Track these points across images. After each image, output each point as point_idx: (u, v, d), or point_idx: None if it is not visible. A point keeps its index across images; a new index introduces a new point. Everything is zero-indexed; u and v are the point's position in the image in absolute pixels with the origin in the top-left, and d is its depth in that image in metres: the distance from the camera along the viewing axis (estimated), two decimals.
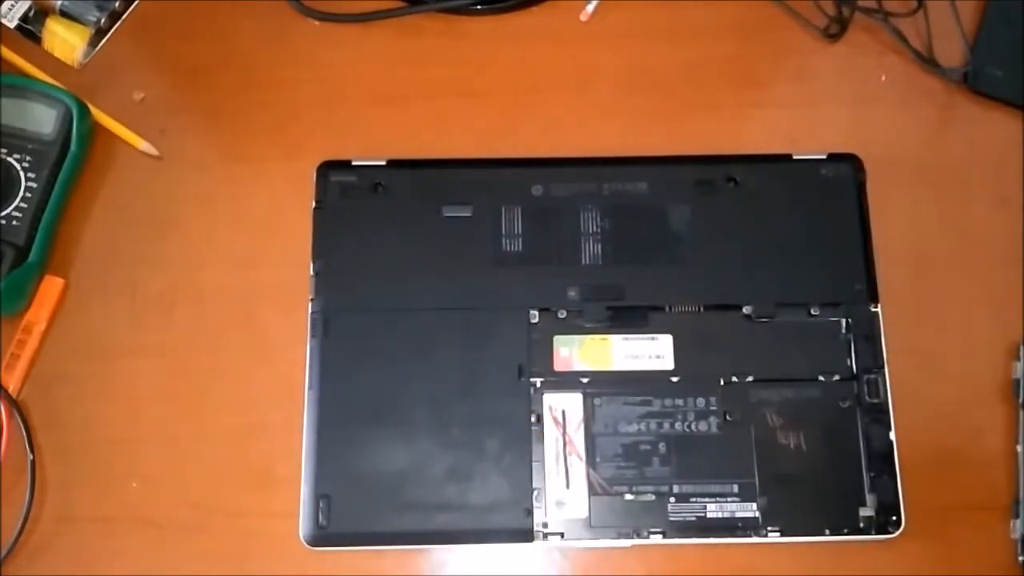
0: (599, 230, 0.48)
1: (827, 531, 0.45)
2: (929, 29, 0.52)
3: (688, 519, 0.45)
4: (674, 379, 0.47)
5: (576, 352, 0.47)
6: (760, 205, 0.49)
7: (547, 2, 0.54)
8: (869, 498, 0.45)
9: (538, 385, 0.47)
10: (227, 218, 0.51)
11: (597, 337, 0.47)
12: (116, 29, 0.54)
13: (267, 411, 0.48)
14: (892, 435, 0.46)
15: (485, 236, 0.48)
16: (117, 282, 0.50)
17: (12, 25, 0.54)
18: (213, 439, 0.48)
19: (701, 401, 0.46)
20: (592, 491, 0.45)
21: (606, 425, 0.46)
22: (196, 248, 0.50)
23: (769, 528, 0.45)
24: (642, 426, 0.46)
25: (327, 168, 0.49)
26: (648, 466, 0.46)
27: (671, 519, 0.45)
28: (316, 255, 0.48)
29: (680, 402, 0.46)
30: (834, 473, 0.45)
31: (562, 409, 0.46)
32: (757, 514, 0.45)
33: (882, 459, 0.45)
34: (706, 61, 0.53)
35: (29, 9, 0.54)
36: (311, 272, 0.47)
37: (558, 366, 0.47)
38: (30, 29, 0.54)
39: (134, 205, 0.51)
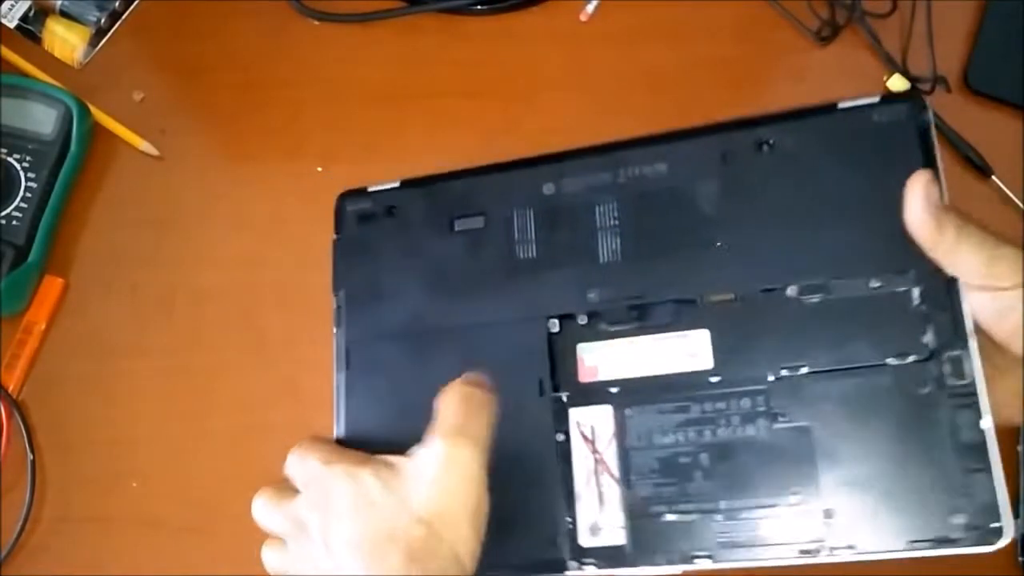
0: (616, 223, 0.44)
1: (910, 545, 0.37)
2: (911, 30, 0.52)
3: (739, 539, 0.39)
4: (714, 379, 0.41)
5: (602, 359, 0.43)
6: (800, 168, 0.42)
7: (547, 2, 0.54)
8: (961, 502, 0.37)
9: (563, 400, 0.42)
10: (227, 218, 0.51)
11: (624, 340, 0.42)
12: (116, 29, 0.54)
13: (267, 411, 0.48)
14: (985, 423, 0.37)
15: (498, 245, 0.45)
16: (117, 282, 0.50)
17: (12, 25, 0.54)
18: (213, 439, 0.48)
19: (747, 402, 0.40)
20: (629, 513, 0.40)
21: (640, 438, 0.41)
22: (196, 248, 0.50)
23: (837, 545, 0.38)
24: (680, 436, 0.41)
25: (345, 198, 0.47)
26: (690, 481, 0.40)
27: (719, 540, 0.39)
28: (337, 286, 0.45)
29: (722, 405, 0.41)
30: (915, 474, 0.38)
31: (591, 424, 0.42)
32: (822, 529, 0.38)
33: (974, 453, 0.37)
34: (706, 61, 0.53)
35: (29, 9, 0.54)
36: (334, 305, 0.45)
37: (584, 377, 0.42)
38: (30, 29, 0.54)
39: (134, 205, 0.51)
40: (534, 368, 0.42)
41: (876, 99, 0.42)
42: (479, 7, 0.53)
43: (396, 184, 0.46)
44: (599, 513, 0.41)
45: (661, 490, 0.40)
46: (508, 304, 0.44)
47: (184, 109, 0.53)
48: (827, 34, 0.52)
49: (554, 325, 0.43)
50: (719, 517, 0.39)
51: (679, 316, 0.42)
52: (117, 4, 0.54)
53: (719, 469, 0.40)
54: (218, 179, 0.52)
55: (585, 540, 0.40)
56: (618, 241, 0.43)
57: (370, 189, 0.46)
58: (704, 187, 0.43)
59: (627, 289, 0.42)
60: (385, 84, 0.53)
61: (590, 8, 0.54)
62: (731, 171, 0.43)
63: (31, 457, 0.47)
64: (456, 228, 0.45)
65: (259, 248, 0.50)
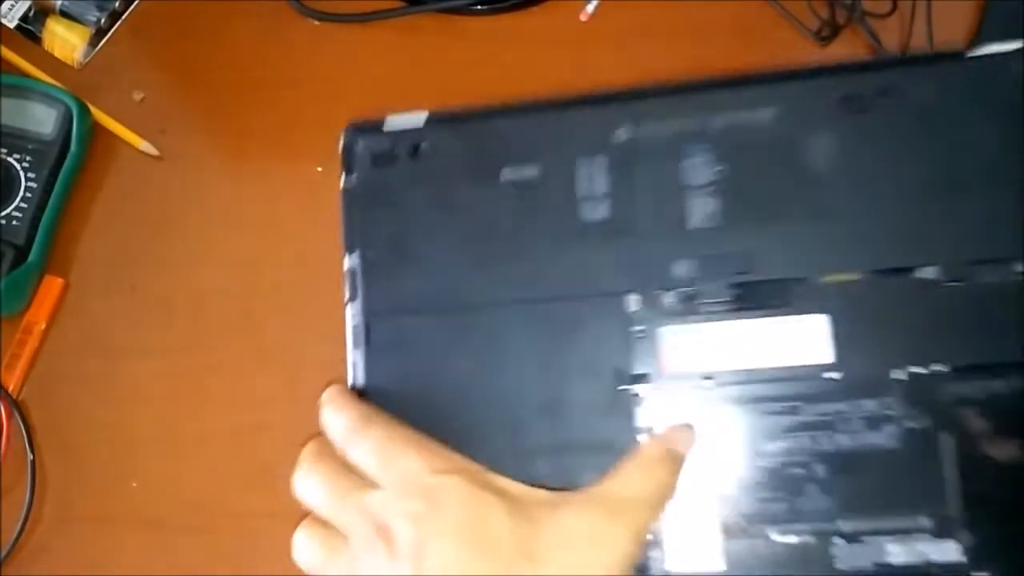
0: (712, 179, 0.36)
1: None
2: (911, 30, 0.52)
3: (862, 567, 0.33)
4: (833, 375, 0.34)
5: (693, 346, 0.35)
6: (934, 125, 0.35)
7: (547, 2, 0.54)
8: None
9: (644, 394, 0.35)
10: (227, 218, 0.51)
11: (720, 324, 0.35)
12: (116, 29, 0.54)
13: (267, 411, 0.48)
14: None
15: (559, 201, 0.37)
16: (117, 282, 0.50)
17: (12, 25, 0.54)
18: (213, 439, 0.48)
19: (871, 404, 0.34)
20: (727, 532, 0.34)
21: (741, 443, 0.35)
22: (196, 248, 0.50)
23: (980, 575, 0.33)
24: (791, 442, 0.34)
25: (356, 134, 0.39)
26: (801, 496, 0.34)
27: (837, 567, 0.33)
28: (350, 246, 0.38)
29: (842, 407, 0.34)
30: None
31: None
32: (962, 556, 0.33)
33: None
34: (706, 61, 0.53)
35: (29, 9, 0.54)
36: (345, 268, 0.38)
37: (669, 367, 0.35)
38: (30, 29, 0.54)
39: (134, 205, 0.51)
40: (608, 355, 0.35)
41: (1016, 46, 0.35)
42: (479, 7, 0.53)
43: (421, 121, 0.39)
44: (691, 533, 0.34)
45: (767, 506, 0.34)
46: (573, 276, 0.36)
47: (184, 109, 0.53)
48: (827, 34, 0.52)
49: (632, 302, 0.36)
50: (838, 540, 0.33)
51: (792, 297, 0.35)
52: (117, 4, 0.54)
53: (837, 483, 0.34)
54: (218, 179, 0.52)
55: (674, 565, 0.34)
56: (712, 202, 0.36)
57: (387, 127, 0.39)
58: (820, 140, 0.36)
59: (725, 262, 0.35)
60: (385, 84, 0.53)
61: (590, 8, 0.54)
62: (852, 122, 0.36)
63: (31, 457, 0.47)
64: (503, 178, 0.37)
65: (259, 248, 0.50)
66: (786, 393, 0.35)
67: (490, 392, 0.36)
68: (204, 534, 0.47)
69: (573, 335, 0.36)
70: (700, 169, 0.36)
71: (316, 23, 0.54)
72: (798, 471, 0.34)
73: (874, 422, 0.34)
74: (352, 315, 0.38)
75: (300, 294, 0.48)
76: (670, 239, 0.36)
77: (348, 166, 0.39)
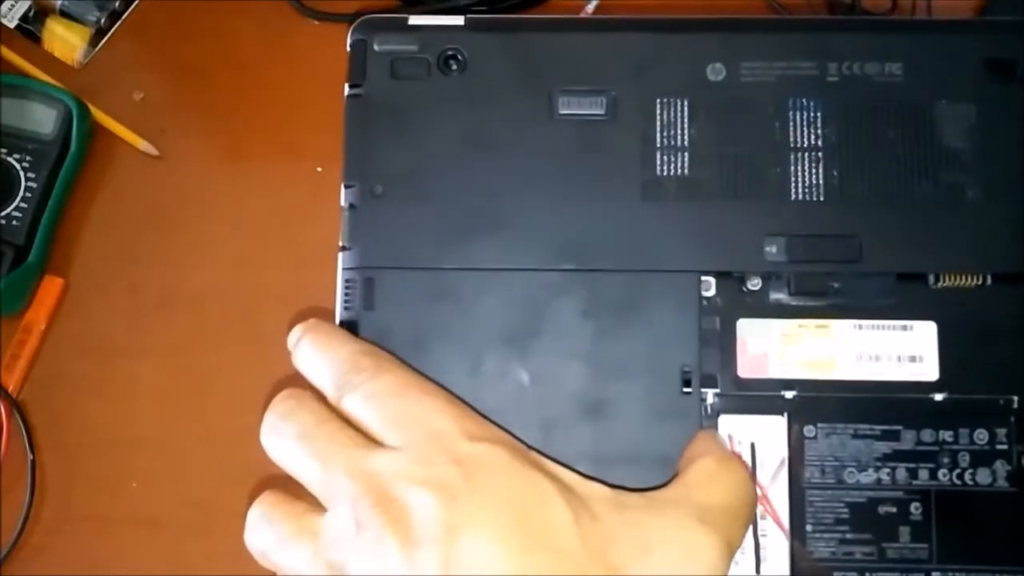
0: (819, 141, 0.30)
1: None
2: None
3: None
4: (938, 396, 0.29)
5: (778, 347, 0.30)
6: None
7: (547, 2, 0.54)
8: None
9: (712, 400, 0.29)
10: (227, 218, 0.51)
11: (813, 323, 0.29)
12: (116, 29, 0.54)
13: None
14: None
15: (627, 148, 0.30)
16: (117, 282, 0.50)
17: (12, 25, 0.54)
18: (213, 439, 0.48)
19: (983, 435, 0.29)
20: None
21: (824, 471, 0.29)
22: (196, 248, 0.50)
23: None
24: (884, 474, 0.29)
25: (369, 30, 0.32)
26: (893, 540, 0.28)
27: None
28: (351, 176, 0.32)
29: (948, 435, 0.29)
30: None
31: (751, 441, 0.29)
32: None
33: None
34: None
35: (29, 9, 0.54)
36: (343, 204, 0.32)
37: (746, 370, 0.30)
38: (30, 29, 0.54)
39: (134, 205, 0.51)
40: (674, 349, 0.29)
41: None
42: (478, 8, 0.53)
43: (458, 21, 0.31)
44: (755, 573, 0.29)
45: (851, 548, 0.28)
46: (636, 245, 0.30)
47: (184, 109, 0.53)
48: None
49: (708, 286, 0.29)
50: None
51: (900, 298, 0.29)
52: (117, 4, 0.54)
53: (938, 527, 0.28)
54: (218, 179, 0.52)
55: None
56: (819, 170, 0.30)
57: (413, 21, 0.32)
58: (955, 109, 0.30)
59: (828, 246, 0.29)
60: None
61: (590, 8, 0.54)
62: (997, 92, 0.30)
63: (31, 457, 0.47)
64: (560, 110, 0.30)
65: (259, 248, 0.50)
66: (882, 414, 0.29)
67: (516, 383, 0.30)
68: (204, 534, 0.47)
69: (630, 320, 0.29)
70: (808, 126, 0.30)
71: (316, 23, 0.54)
72: (890, 509, 0.29)
73: (984, 457, 0.29)
74: (345, 265, 0.32)
75: (300, 294, 0.48)
76: (762, 210, 0.30)
77: (356, 72, 0.32)
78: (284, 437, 0.26)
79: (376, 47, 0.32)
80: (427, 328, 0.30)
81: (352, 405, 0.26)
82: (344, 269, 0.32)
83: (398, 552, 0.22)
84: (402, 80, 0.31)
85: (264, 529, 0.26)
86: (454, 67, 0.31)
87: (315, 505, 0.25)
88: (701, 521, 0.25)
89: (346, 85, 0.32)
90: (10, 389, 0.48)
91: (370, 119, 0.32)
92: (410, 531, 0.22)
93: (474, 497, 0.23)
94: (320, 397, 0.27)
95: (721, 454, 0.28)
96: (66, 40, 0.53)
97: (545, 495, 0.24)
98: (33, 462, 0.47)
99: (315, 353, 0.28)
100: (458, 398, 0.27)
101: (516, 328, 0.29)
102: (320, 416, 0.26)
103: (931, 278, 0.29)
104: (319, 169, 0.51)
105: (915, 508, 0.28)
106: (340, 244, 0.32)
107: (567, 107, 0.30)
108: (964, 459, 0.29)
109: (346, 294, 0.31)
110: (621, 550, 0.24)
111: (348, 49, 0.32)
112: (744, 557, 0.29)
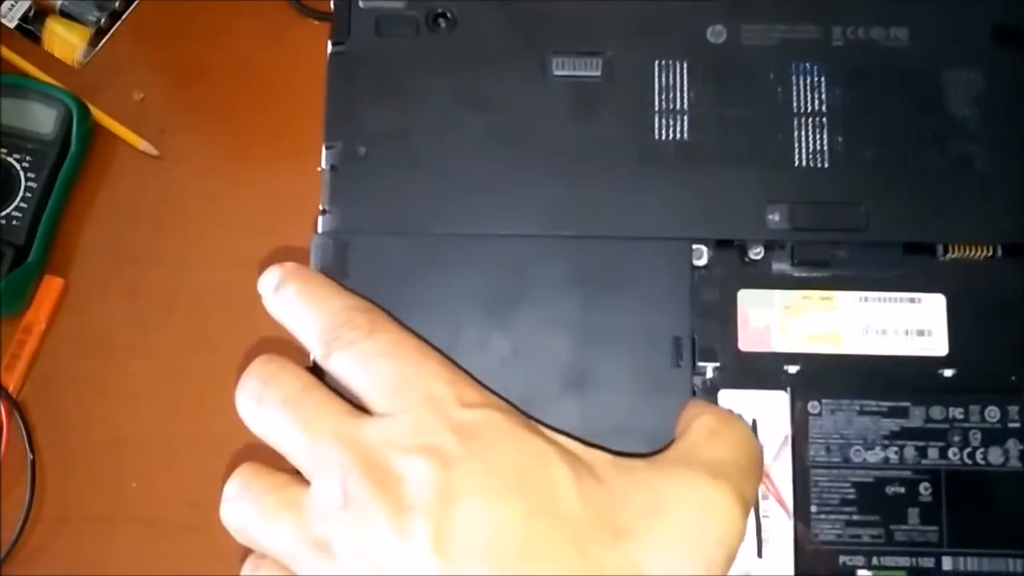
0: (823, 106, 0.29)
1: None
2: None
3: None
4: (947, 372, 0.28)
5: (780, 319, 0.28)
6: None
7: None
8: None
9: (710, 375, 0.28)
10: (227, 218, 0.51)
11: (816, 294, 0.28)
12: (116, 29, 0.54)
13: None
14: None
15: (625, 112, 0.29)
16: (117, 282, 0.50)
17: (12, 25, 0.54)
18: (213, 439, 0.48)
19: (994, 412, 0.28)
20: (803, 561, 0.27)
21: (829, 449, 0.28)
22: (196, 248, 0.50)
23: None
24: (892, 453, 0.28)
25: None
26: (901, 522, 0.27)
27: None
28: (332, 136, 0.31)
29: (959, 413, 0.28)
30: None
31: (752, 418, 0.28)
32: None
33: None
34: None
35: (29, 9, 0.54)
36: (322, 165, 0.31)
37: (746, 343, 0.28)
38: (30, 29, 0.54)
39: (134, 205, 0.51)
40: (667, 320, 0.28)
41: None
42: None
43: None
44: (758, 559, 0.27)
45: (857, 531, 0.27)
46: (631, 210, 0.29)
47: (184, 109, 0.53)
48: None
49: (702, 254, 0.28)
50: None
51: (907, 270, 0.28)
52: (117, 4, 0.54)
53: (948, 508, 0.27)
54: (218, 179, 0.52)
55: None
56: (824, 136, 0.29)
57: None
58: (962, 76, 0.29)
59: (832, 215, 0.28)
60: None
61: None
62: (1006, 59, 0.29)
63: (31, 457, 0.47)
64: (555, 71, 0.29)
65: (259, 248, 0.50)
66: (889, 391, 0.28)
67: (501, 355, 0.28)
68: (204, 534, 0.47)
69: (622, 289, 0.28)
70: (812, 92, 0.29)
71: (316, 23, 0.54)
72: (898, 489, 0.28)
73: (995, 435, 0.27)
74: (324, 229, 0.30)
75: None
76: (764, 177, 0.29)
77: (340, 29, 0.30)
78: (265, 404, 0.25)
79: (361, 3, 0.30)
80: (405, 296, 0.28)
81: (341, 363, 0.24)
82: (319, 235, 0.30)
83: (386, 521, 0.21)
84: (388, 38, 0.30)
85: (245, 502, 0.25)
86: (443, 25, 0.30)
87: (298, 478, 0.24)
88: (713, 476, 0.23)
89: (329, 43, 0.30)
90: (10, 389, 0.48)
91: (354, 77, 0.30)
92: (400, 499, 0.21)
93: (471, 463, 0.21)
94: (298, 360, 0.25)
95: (719, 412, 0.27)
96: (66, 40, 0.53)
97: (546, 459, 0.23)
98: (33, 462, 0.47)
99: (302, 303, 0.26)
100: (453, 362, 0.26)
101: (505, 292, 0.28)
102: (306, 382, 0.25)
103: (939, 249, 0.29)
104: (319, 169, 0.51)
105: (924, 488, 0.27)
106: (320, 207, 0.30)
107: (561, 68, 0.30)
108: (975, 437, 0.28)
109: (320, 258, 0.29)
110: (630, 513, 0.22)
111: (332, 6, 0.31)
112: (746, 539, 0.26)
